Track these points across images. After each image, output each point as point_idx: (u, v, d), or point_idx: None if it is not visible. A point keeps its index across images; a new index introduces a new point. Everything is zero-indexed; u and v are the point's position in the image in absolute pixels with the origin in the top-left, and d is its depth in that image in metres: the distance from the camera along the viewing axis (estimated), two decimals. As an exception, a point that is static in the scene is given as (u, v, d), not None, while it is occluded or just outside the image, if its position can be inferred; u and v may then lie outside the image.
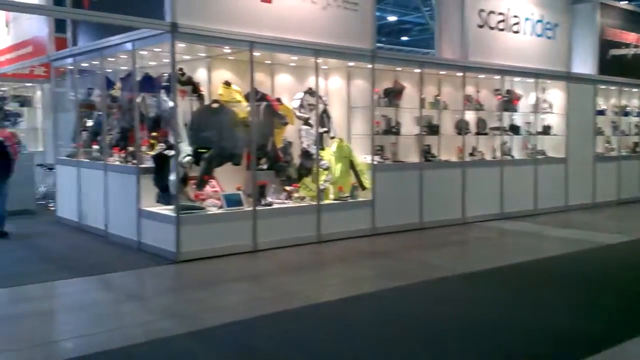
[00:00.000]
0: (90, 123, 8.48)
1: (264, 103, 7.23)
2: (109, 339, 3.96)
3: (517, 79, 10.14)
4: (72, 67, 8.65)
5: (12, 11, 9.36)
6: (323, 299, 5.00)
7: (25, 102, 12.21)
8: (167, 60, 6.72)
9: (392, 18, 21.97)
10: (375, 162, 7.97)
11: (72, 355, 3.68)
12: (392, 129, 8.49)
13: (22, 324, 4.31)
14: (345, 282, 5.77)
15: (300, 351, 3.80)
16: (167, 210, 6.48)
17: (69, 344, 3.95)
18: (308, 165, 7.58)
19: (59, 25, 9.05)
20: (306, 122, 7.65)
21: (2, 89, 12.51)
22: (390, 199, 8.04)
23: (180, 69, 6.80)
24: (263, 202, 6.95)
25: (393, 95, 8.50)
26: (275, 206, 7.05)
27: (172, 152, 6.47)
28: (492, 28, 9.50)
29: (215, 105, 6.88)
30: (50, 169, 9.96)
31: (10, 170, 7.68)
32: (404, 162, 8.52)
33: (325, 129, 7.78)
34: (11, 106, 11.98)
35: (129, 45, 7.03)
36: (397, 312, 4.65)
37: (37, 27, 9.11)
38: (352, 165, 7.83)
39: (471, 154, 9.36)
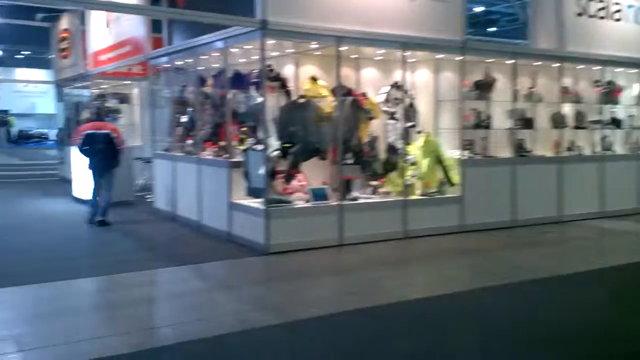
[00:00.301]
0: (184, 119, 8.86)
1: (350, 98, 7.21)
2: (205, 327, 4.12)
3: (619, 69, 9.48)
4: (167, 65, 9.07)
5: (111, 11, 9.95)
6: (412, 296, 4.93)
7: (124, 99, 12.98)
8: (256, 57, 6.88)
9: (478, 9, 21.25)
10: (464, 157, 7.74)
11: (171, 341, 3.86)
12: (482, 123, 8.20)
13: (124, 310, 4.57)
14: (434, 280, 5.66)
15: (391, 349, 3.76)
16: (256, 203, 6.64)
17: (168, 330, 4.15)
18: (394, 160, 7.49)
19: (155, 26, 9.51)
20: (392, 116, 7.57)
21: (103, 86, 13.36)
22: (480, 195, 7.78)
23: (269, 65, 6.93)
24: (349, 196, 6.96)
25: (483, 87, 8.20)
26: (361, 201, 7.03)
27: (260, 147, 6.63)
28: (591, 16, 8.93)
29: (301, 100, 6.95)
30: (148, 162, 10.51)
31: (117, 161, 8.29)
32: (495, 157, 8.22)
33: (411, 124, 7.65)
34: (111, 103, 12.77)
35: (220, 43, 7.26)
36: (490, 313, 4.50)
37: (135, 27, 9.63)
38: (439, 161, 7.65)
39: (569, 149, 8.87)
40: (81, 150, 8.34)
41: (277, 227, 6.34)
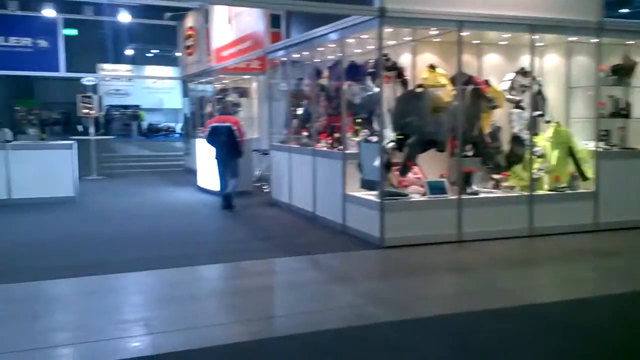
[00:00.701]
0: (300, 111, 8.97)
1: (471, 86, 6.84)
2: (322, 319, 4.10)
3: None
4: (284, 59, 9.22)
5: (234, 5, 10.28)
6: (539, 300, 4.56)
7: (243, 93, 13.45)
8: (372, 47, 6.72)
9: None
10: (599, 149, 7.06)
11: (290, 331, 3.87)
12: (621, 111, 7.42)
13: (244, 297, 4.69)
14: (564, 283, 5.20)
15: (514, 355, 3.48)
16: (371, 195, 6.54)
17: (287, 320, 4.18)
18: (519, 152, 7.00)
19: (274, 21, 9.72)
20: (517, 105, 7.07)
21: (224, 81, 13.96)
22: (617, 191, 7.06)
23: (385, 55, 6.76)
24: (468, 190, 6.62)
25: (622, 72, 7.41)
26: (481, 195, 6.66)
27: (375, 138, 6.50)
28: None
29: (419, 89, 6.72)
30: (265, 154, 10.81)
31: (239, 152, 8.83)
32: (635, 148, 7.41)
33: (539, 112, 7.11)
34: (232, 97, 13.30)
35: (336, 34, 7.22)
36: (634, 321, 4.03)
37: (255, 22, 9.91)
38: (571, 153, 7.04)
39: None
40: (208, 142, 8.96)
41: (392, 221, 6.18)
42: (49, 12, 13.87)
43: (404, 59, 7.28)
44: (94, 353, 3.54)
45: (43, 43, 14.08)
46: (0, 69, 14.38)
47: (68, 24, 14.62)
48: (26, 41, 13.97)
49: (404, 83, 7.05)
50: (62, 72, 14.40)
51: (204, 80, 13.78)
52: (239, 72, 13.13)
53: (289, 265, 5.69)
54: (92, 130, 13.44)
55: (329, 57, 8.30)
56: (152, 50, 33.56)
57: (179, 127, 33.97)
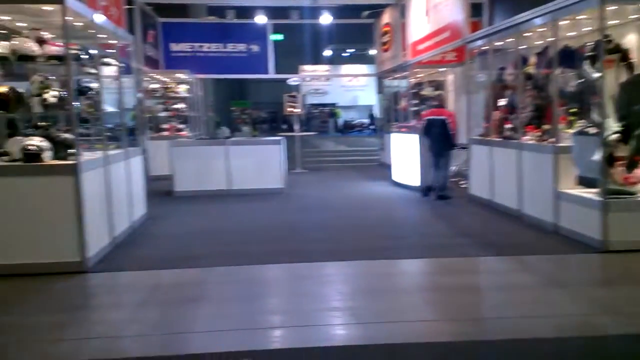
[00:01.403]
0: (502, 102, 8.47)
1: None
2: (539, 325, 3.77)
3: None
4: (485, 48, 8.79)
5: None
6: None
7: (438, 86, 13.21)
8: (589, 29, 6.03)
9: None
10: None
11: (503, 336, 3.65)
12: None
13: (447, 295, 4.55)
14: None
15: None
16: (590, 193, 5.88)
17: (500, 323, 3.94)
18: None
19: (474, 10, 9.33)
20: None
21: (419, 75, 13.86)
22: None
23: (607, 36, 6.01)
24: None
25: None
26: None
27: (594, 130, 5.82)
28: None
29: (648, 73, 5.85)
30: (463, 148, 10.46)
31: (451, 144, 9.14)
32: None
33: None
34: (426, 91, 13.15)
35: (547, 18, 6.63)
36: None
37: (454, 12, 9.63)
38: None
39: None
40: (423, 134, 9.31)
41: (617, 222, 5.47)
42: (260, 19, 15.24)
43: (629, 40, 6.40)
44: (304, 337, 3.74)
45: (255, 48, 15.51)
46: (220, 73, 16.26)
47: (275, 29, 15.87)
48: (241, 47, 15.53)
49: (630, 67, 6.20)
50: (272, 74, 15.72)
51: (398, 75, 13.84)
52: (434, 65, 12.92)
53: (496, 266, 5.39)
54: (296, 127, 14.38)
55: (536, 42, 7.68)
56: (348, 50, 34.88)
57: (372, 123, 34.86)
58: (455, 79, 12.72)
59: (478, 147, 8.90)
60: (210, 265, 5.48)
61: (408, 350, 3.49)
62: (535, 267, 5.34)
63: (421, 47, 11.69)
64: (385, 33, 14.81)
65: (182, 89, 13.72)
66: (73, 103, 5.21)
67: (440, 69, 13.12)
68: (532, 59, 7.75)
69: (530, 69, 7.73)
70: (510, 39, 7.92)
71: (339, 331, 3.79)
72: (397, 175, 11.22)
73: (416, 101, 12.91)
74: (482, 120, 9.12)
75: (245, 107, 32.63)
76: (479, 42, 8.80)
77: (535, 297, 4.44)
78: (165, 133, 13.08)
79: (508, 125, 8.08)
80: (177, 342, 3.68)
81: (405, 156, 10.64)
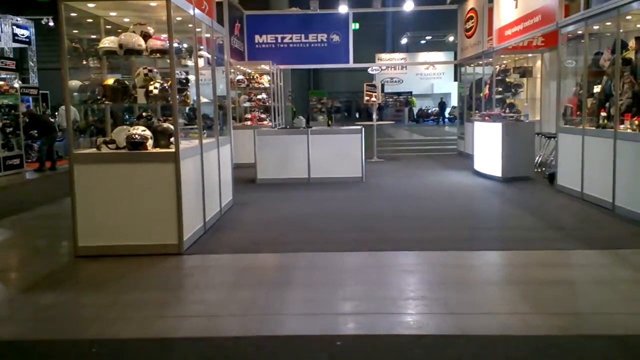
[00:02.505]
0: (596, 89, 8.05)
1: None
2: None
3: None
4: (580, 32, 8.37)
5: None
6: None
7: (525, 72, 12.73)
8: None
9: None
10: None
11: (606, 331, 3.53)
12: None
13: (539, 288, 4.42)
14: None
15: None
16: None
17: (598, 318, 3.80)
18: None
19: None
20: None
21: (504, 62, 13.40)
22: None
23: None
24: None
25: None
26: None
27: None
28: None
29: None
30: (550, 137, 10.06)
31: None
32: None
33: None
34: (512, 77, 12.71)
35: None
36: None
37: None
38: None
39: None
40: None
41: None
42: (343, 9, 15.29)
43: None
44: (393, 324, 3.78)
45: (336, 38, 15.58)
46: (301, 63, 16.49)
47: (353, 18, 15.87)
48: (322, 37, 15.66)
49: None
50: (351, 64, 15.76)
51: (482, 62, 13.46)
52: (521, 51, 12.45)
53: (590, 259, 5.17)
54: (374, 116, 14.36)
55: (638, 25, 7.23)
56: (426, 37, 34.23)
57: (447, 111, 34.09)
58: (542, 64, 12.21)
59: (568, 136, 8.52)
60: (296, 250, 5.63)
61: (503, 342, 3.45)
62: (634, 261, 5.08)
63: (509, 32, 11.28)
64: (470, 19, 14.41)
65: (264, 80, 14.04)
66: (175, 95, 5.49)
67: (528, 55, 12.62)
68: (632, 44, 7.32)
69: (630, 54, 7.31)
70: (609, 23, 7.51)
71: (430, 320, 3.80)
72: (479, 164, 10.97)
73: (500, 88, 12.51)
74: (570, 108, 8.73)
75: (321, 96, 32.92)
76: (572, 27, 8.39)
77: (635, 292, 4.23)
78: (248, 123, 13.47)
79: (603, 114, 7.68)
80: (270, 323, 3.83)
81: (489, 145, 10.37)
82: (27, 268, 5.50)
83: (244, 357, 3.34)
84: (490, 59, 12.61)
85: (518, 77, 12.62)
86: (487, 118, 10.56)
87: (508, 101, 12.61)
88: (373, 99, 13.98)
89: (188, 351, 3.43)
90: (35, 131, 13.59)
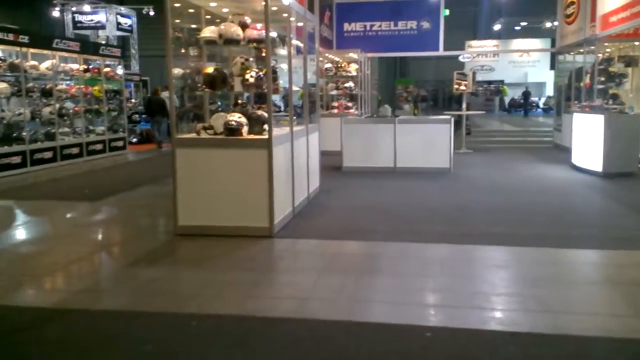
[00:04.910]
0: None
1: None
2: None
3: None
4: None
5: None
6: None
7: (630, 62, 11.86)
8: None
9: None
10: None
11: None
12: None
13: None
14: None
15: None
16: None
17: None
18: None
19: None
20: None
21: (608, 50, 12.56)
22: None
23: None
24: None
25: None
26: None
27: None
28: None
29: None
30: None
31: None
32: None
33: None
34: (616, 67, 11.89)
35: None
36: None
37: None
38: None
39: None
40: None
41: None
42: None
43: None
44: (486, 319, 3.71)
45: (426, 25, 15.30)
46: (390, 51, 16.36)
47: (445, 4, 15.49)
48: (412, 24, 15.43)
49: None
50: (441, 52, 15.42)
51: (583, 50, 12.69)
52: (627, 39, 11.61)
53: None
54: (464, 106, 14.00)
55: None
56: (520, 23, 32.75)
57: (542, 101, 32.53)
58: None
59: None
60: (383, 239, 5.66)
61: (602, 344, 3.30)
62: None
63: (614, 18, 10.57)
64: (571, 4, 13.63)
65: (352, 68, 14.07)
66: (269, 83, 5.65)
67: (636, 43, 11.75)
68: None
69: None
70: None
71: (524, 317, 3.70)
72: (577, 158, 10.41)
73: (602, 78, 11.75)
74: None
75: (408, 84, 32.48)
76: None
77: None
78: (335, 111, 13.57)
79: None
80: (360, 309, 3.89)
81: (589, 138, 9.82)
82: (130, 244, 5.91)
83: (334, 340, 3.42)
84: (592, 47, 11.86)
85: (623, 66, 11.77)
86: (587, 109, 9.99)
87: (611, 92, 11.82)
88: (462, 87, 13.60)
89: (281, 330, 3.57)
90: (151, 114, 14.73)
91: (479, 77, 31.97)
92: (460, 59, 15.76)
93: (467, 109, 14.18)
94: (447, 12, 15.56)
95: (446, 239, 5.61)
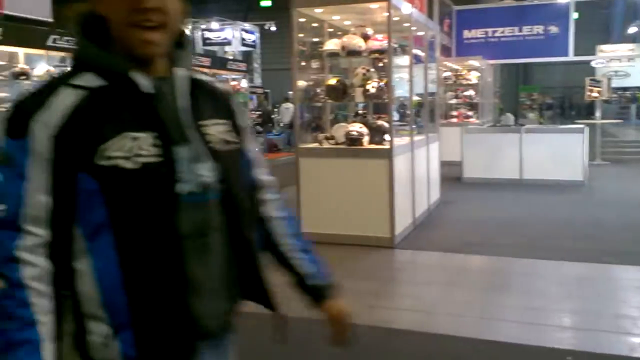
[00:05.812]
0: None
1: None
2: None
3: None
4: None
5: None
6: None
7: None
8: None
9: None
10: None
11: None
12: None
13: None
14: None
15: None
16: None
17: None
18: None
19: None
20: None
21: None
22: None
23: None
24: None
25: None
26: None
27: None
28: None
29: None
30: None
31: None
32: None
33: None
34: None
35: None
36: None
37: None
38: None
39: None
40: None
41: None
42: (562, -1, 14.17)
43: None
44: (632, 346, 3.37)
45: (553, 29, 14.45)
46: (513, 58, 15.67)
47: (575, 7, 14.55)
48: (538, 29, 14.65)
49: None
50: (571, 57, 14.49)
51: None
52: None
53: None
54: (598, 114, 12.99)
55: None
56: (661, 24, 29.84)
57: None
58: None
59: None
60: (509, 255, 5.37)
61: None
62: None
63: None
64: None
65: (473, 76, 13.64)
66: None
67: None
68: None
69: None
70: None
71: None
72: None
73: None
74: None
75: (532, 92, 30.77)
76: None
77: None
78: (454, 120, 13.22)
79: None
80: (489, 327, 3.71)
81: None
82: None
83: (461, 357, 3.29)
84: None
85: None
86: None
87: None
88: (594, 94, 12.63)
89: (408, 342, 3.50)
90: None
91: (613, 84, 29.53)
92: (593, 64, 14.63)
93: (602, 117, 13.15)
94: (576, 15, 14.60)
95: (579, 257, 5.20)
